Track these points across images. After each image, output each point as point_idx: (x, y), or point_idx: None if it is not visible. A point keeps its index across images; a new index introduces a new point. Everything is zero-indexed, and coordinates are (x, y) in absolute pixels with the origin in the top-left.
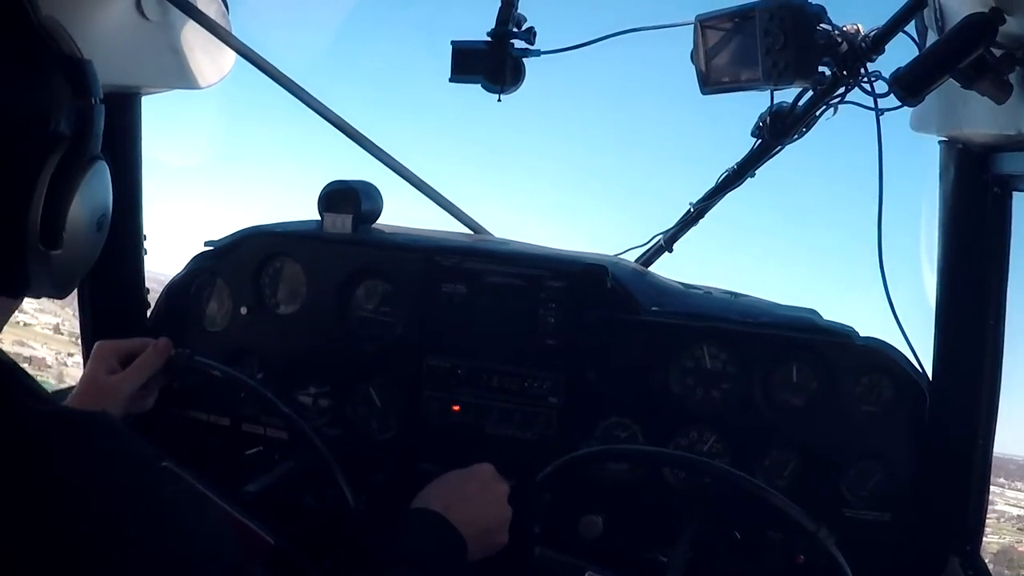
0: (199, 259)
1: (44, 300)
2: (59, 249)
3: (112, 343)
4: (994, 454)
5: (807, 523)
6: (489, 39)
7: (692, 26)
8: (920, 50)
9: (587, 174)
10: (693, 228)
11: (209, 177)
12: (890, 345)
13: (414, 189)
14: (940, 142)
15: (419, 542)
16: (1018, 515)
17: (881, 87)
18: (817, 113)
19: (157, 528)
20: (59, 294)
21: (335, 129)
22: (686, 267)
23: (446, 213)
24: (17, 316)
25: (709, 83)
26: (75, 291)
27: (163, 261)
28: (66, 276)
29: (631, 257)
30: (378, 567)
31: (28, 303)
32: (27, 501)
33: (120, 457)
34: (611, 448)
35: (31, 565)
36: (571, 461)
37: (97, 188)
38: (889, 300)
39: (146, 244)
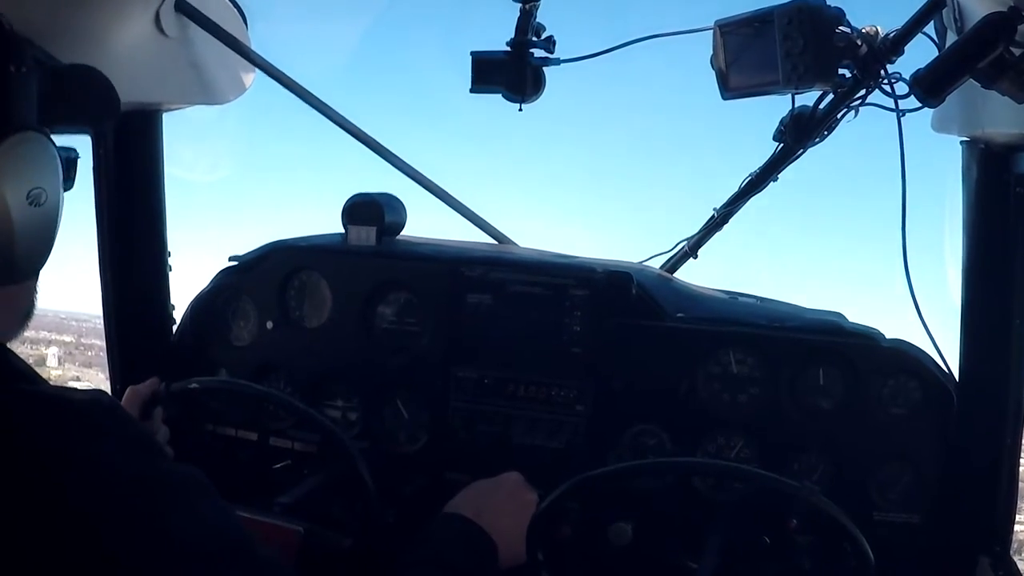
0: (224, 275)
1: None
2: None
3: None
4: None
5: (786, 484)
6: (509, 49)
7: (711, 31)
8: (940, 50)
9: (610, 181)
10: (717, 233)
11: (232, 192)
12: (916, 347)
13: (437, 200)
14: (962, 142)
15: (450, 545)
16: None
17: (901, 88)
18: (838, 116)
19: (155, 506)
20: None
21: (357, 141)
22: (711, 273)
23: (470, 223)
24: None
25: (730, 88)
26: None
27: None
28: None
29: (656, 264)
30: (408, 568)
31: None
32: (18, 480)
33: (117, 435)
34: (585, 476)
35: (27, 544)
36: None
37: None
38: (915, 301)
39: (170, 260)
